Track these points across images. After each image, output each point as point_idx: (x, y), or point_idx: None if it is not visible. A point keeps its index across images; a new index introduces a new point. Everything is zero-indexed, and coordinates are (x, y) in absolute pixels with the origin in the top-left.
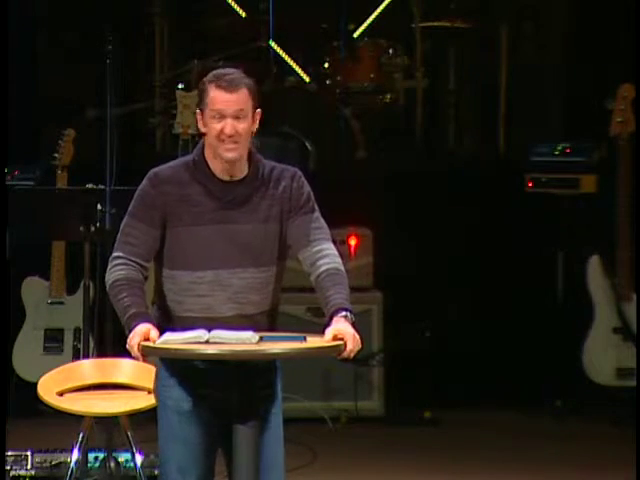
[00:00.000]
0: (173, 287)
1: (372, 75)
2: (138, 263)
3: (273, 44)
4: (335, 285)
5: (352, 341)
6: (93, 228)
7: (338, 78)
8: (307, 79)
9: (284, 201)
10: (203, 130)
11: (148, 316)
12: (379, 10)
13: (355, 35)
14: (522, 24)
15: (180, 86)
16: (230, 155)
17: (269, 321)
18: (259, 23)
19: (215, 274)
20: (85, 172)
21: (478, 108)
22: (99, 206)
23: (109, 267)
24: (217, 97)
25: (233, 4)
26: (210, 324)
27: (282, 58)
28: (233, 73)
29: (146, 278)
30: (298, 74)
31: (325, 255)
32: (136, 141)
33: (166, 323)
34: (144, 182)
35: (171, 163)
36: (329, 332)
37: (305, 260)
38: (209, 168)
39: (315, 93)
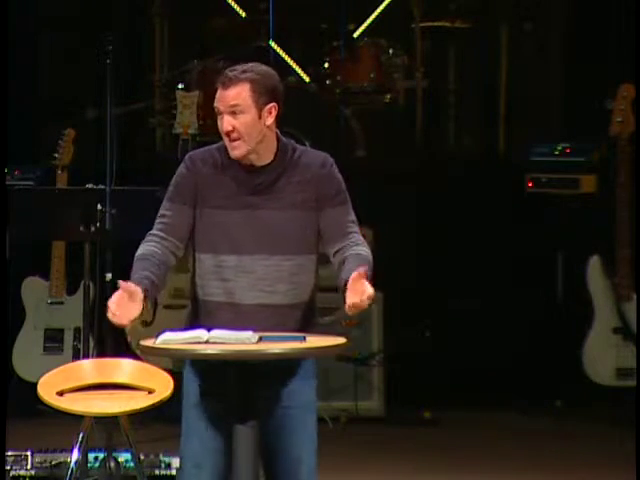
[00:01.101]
0: (199, 270)
1: (372, 75)
2: (168, 240)
3: (273, 44)
4: (363, 263)
5: (363, 294)
6: (93, 228)
7: (338, 78)
8: (307, 79)
9: (312, 189)
10: None
11: (142, 281)
12: (379, 10)
13: (355, 35)
14: (522, 24)
15: (180, 86)
16: (235, 153)
17: (302, 318)
18: (259, 23)
19: (238, 259)
20: (85, 172)
21: (478, 108)
22: (99, 206)
23: (142, 243)
24: (217, 95)
25: (233, 4)
26: (231, 311)
27: (282, 58)
28: (237, 69)
29: (177, 257)
30: (298, 74)
31: (359, 244)
32: (136, 141)
33: (194, 316)
34: (180, 166)
35: (206, 147)
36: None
37: (337, 252)
38: None
39: (315, 93)
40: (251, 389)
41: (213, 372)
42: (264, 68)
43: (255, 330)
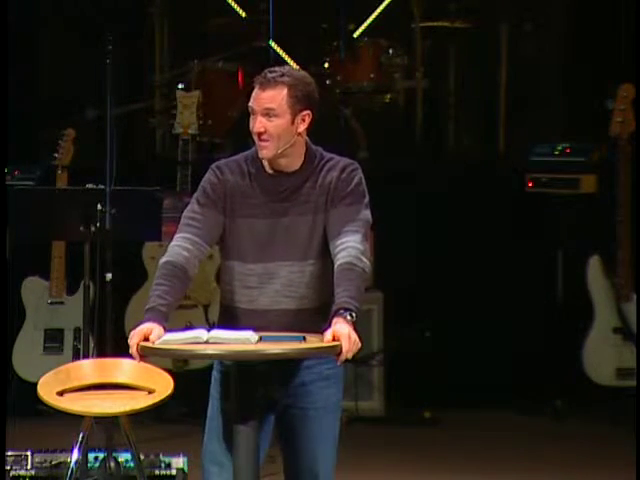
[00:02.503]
0: (226, 277)
1: (372, 75)
2: (199, 244)
3: (273, 44)
4: (345, 282)
5: (347, 342)
6: (93, 228)
7: (338, 78)
8: None
9: (329, 191)
10: None
11: (159, 314)
12: (379, 10)
13: (355, 35)
14: (522, 24)
15: (180, 86)
16: (262, 152)
17: (325, 318)
18: (259, 23)
19: (264, 267)
20: (85, 172)
21: (478, 108)
22: (99, 206)
23: (169, 245)
24: (254, 94)
25: (233, 4)
26: (255, 318)
27: (282, 58)
28: (277, 71)
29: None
30: None
31: (344, 248)
32: (136, 141)
33: (222, 320)
34: (207, 174)
35: (232, 157)
36: (327, 334)
37: (331, 254)
38: (261, 162)
39: None
40: (251, 389)
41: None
42: (303, 74)
43: None
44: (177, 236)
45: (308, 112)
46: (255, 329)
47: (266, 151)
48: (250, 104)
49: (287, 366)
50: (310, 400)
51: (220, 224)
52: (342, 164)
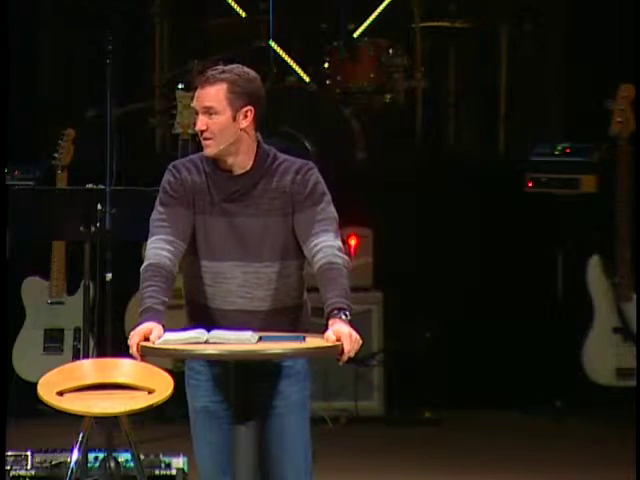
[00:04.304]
0: (188, 272)
1: (372, 75)
2: (172, 241)
3: (273, 44)
4: (329, 282)
5: (349, 341)
6: (93, 228)
7: (338, 78)
8: (307, 79)
9: (287, 195)
10: None
11: (157, 313)
12: (379, 10)
13: (355, 35)
14: (522, 24)
15: (180, 86)
16: (206, 151)
17: (287, 322)
18: (259, 23)
19: (218, 266)
20: (85, 172)
21: (478, 108)
22: (99, 206)
23: (146, 250)
24: (196, 92)
25: (233, 4)
26: (211, 315)
27: (282, 58)
28: (217, 69)
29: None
30: (298, 74)
31: (319, 250)
32: (136, 141)
33: (188, 316)
34: (165, 174)
35: (189, 156)
36: (327, 335)
37: (307, 258)
38: (215, 161)
39: (315, 93)
40: (250, 389)
41: (214, 374)
42: (245, 70)
43: None
44: (151, 239)
45: (250, 108)
46: (212, 326)
47: (210, 149)
48: (192, 104)
49: (252, 367)
50: (279, 400)
51: (190, 219)
52: (296, 166)
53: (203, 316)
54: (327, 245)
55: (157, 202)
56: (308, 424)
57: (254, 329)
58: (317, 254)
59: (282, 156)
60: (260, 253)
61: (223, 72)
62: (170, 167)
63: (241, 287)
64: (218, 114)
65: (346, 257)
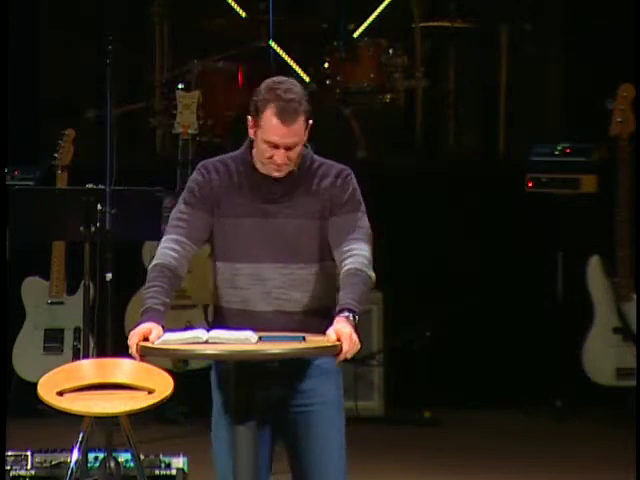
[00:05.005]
0: (216, 278)
1: (372, 75)
2: (187, 244)
3: (273, 44)
4: (350, 285)
5: (347, 341)
6: (93, 228)
7: (338, 78)
8: (307, 79)
9: (326, 198)
10: (252, 138)
11: (157, 313)
12: (379, 10)
13: (355, 35)
14: (522, 24)
15: (180, 86)
16: (277, 174)
17: (321, 323)
18: (259, 23)
19: (253, 267)
20: (85, 172)
21: (478, 108)
22: (99, 206)
23: (157, 248)
24: (272, 129)
25: (233, 4)
26: (247, 318)
27: (282, 58)
28: (294, 99)
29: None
30: (298, 74)
31: (351, 255)
32: (136, 141)
33: (215, 321)
34: (194, 173)
35: (219, 156)
36: (328, 333)
37: (337, 260)
38: (252, 163)
39: (315, 93)
40: (250, 389)
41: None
42: (300, 89)
43: None
44: (165, 238)
45: (310, 122)
46: (250, 330)
47: (281, 174)
48: (272, 139)
49: (285, 365)
50: (311, 397)
51: (208, 224)
52: (336, 169)
53: (234, 321)
54: (360, 254)
55: (181, 198)
56: (344, 422)
57: (289, 331)
58: (349, 258)
59: (319, 158)
60: (297, 254)
61: (300, 103)
62: (199, 166)
63: (278, 288)
64: (298, 145)
65: (374, 274)
